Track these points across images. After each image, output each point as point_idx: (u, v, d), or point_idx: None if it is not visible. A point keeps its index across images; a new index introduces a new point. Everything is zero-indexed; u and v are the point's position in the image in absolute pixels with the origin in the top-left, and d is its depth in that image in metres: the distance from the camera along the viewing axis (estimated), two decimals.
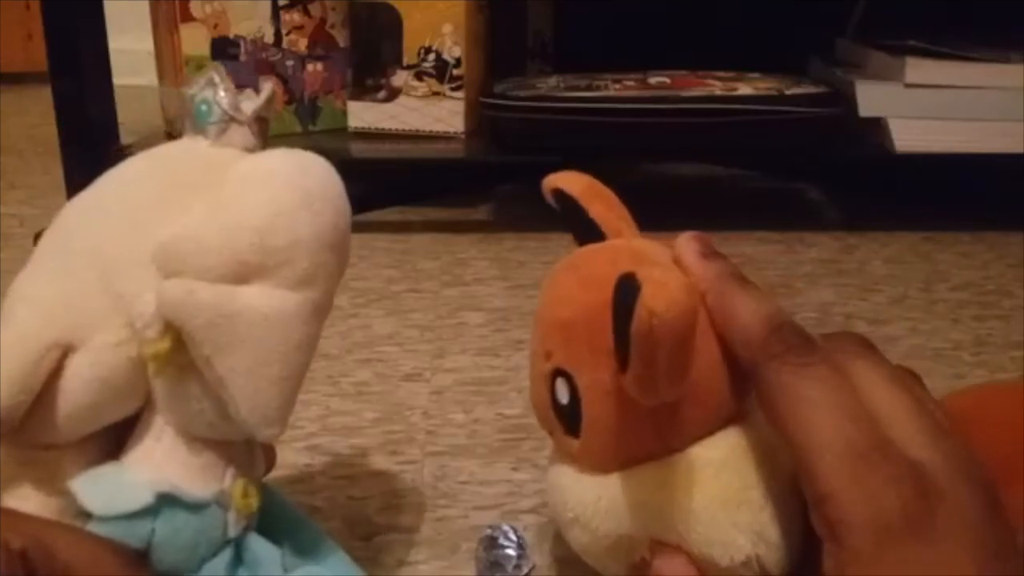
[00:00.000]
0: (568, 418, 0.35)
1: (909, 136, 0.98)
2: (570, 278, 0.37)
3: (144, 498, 0.32)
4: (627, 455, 0.34)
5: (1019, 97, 0.97)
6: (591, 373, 0.34)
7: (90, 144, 0.95)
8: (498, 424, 0.59)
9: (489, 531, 0.45)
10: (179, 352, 0.32)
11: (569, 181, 0.40)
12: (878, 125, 0.99)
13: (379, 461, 0.55)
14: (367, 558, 0.45)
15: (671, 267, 0.34)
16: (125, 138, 1.01)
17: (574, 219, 0.40)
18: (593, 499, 0.35)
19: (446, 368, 0.68)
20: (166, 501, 0.32)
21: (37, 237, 0.35)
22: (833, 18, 1.20)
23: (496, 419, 0.60)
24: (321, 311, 0.34)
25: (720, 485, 0.33)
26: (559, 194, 0.40)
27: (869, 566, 0.27)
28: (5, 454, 0.33)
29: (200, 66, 1.01)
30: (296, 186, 0.34)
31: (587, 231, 0.39)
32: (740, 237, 1.00)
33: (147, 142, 1.06)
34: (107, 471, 0.33)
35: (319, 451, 0.55)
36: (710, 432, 0.34)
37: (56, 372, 0.31)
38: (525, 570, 0.43)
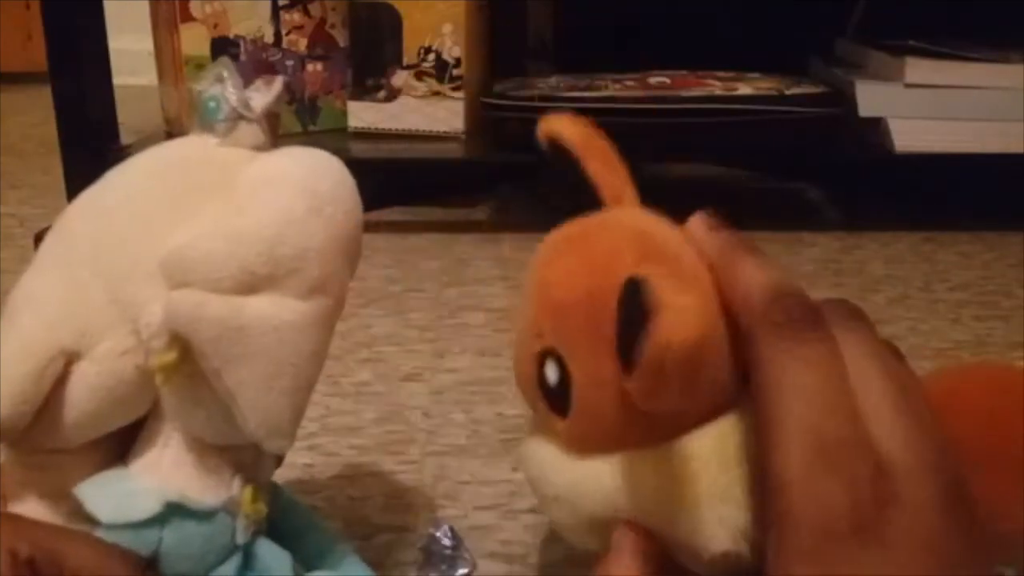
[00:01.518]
0: (556, 399, 0.34)
1: (909, 136, 0.98)
2: (570, 256, 0.35)
3: (152, 507, 0.31)
4: (615, 443, 0.33)
5: (1019, 97, 0.97)
6: (587, 361, 0.33)
7: (90, 144, 0.94)
8: (498, 424, 0.59)
9: (431, 530, 0.44)
10: (187, 361, 0.31)
11: (566, 129, 0.37)
12: (878, 125, 0.99)
13: (379, 461, 0.55)
14: (367, 558, 0.44)
15: (681, 273, 0.33)
16: (125, 138, 1.01)
17: (568, 171, 0.37)
18: (576, 480, 0.34)
19: (446, 368, 0.68)
20: (174, 510, 0.32)
21: (38, 237, 0.34)
22: (833, 18, 1.20)
23: (496, 419, 0.60)
24: (332, 316, 0.34)
25: (707, 479, 0.32)
26: (553, 142, 0.38)
27: (807, 563, 0.26)
28: (10, 459, 0.33)
29: (200, 66, 1.01)
30: (306, 191, 0.33)
31: (583, 188, 0.37)
32: None
33: (147, 142, 1.06)
34: (114, 478, 0.32)
35: (319, 451, 0.55)
36: (702, 423, 0.33)
37: (61, 379, 0.31)
38: (461, 571, 0.42)
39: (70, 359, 0.31)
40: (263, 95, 0.35)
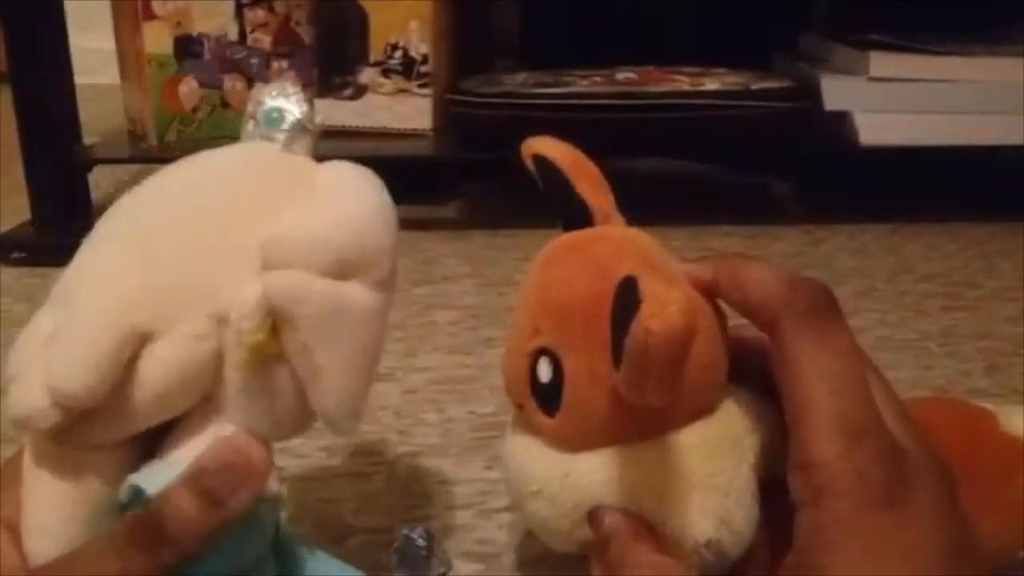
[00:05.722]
0: (545, 396, 0.35)
1: (874, 129, 0.99)
2: (571, 260, 0.37)
3: None
4: (603, 438, 0.35)
5: (982, 90, 0.98)
6: (583, 358, 0.34)
7: (53, 144, 0.93)
8: (471, 423, 0.59)
9: (405, 531, 0.44)
10: (272, 344, 0.32)
11: (553, 149, 0.39)
12: (844, 119, 1.00)
13: (351, 462, 0.54)
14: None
15: (673, 277, 0.35)
16: (88, 138, 1.00)
17: (555, 189, 0.39)
18: (560, 474, 0.35)
19: (418, 367, 0.67)
20: None
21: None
22: (798, 13, 1.20)
23: (469, 417, 0.60)
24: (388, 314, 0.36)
25: (690, 469, 0.34)
26: (540, 161, 0.40)
27: (847, 528, 0.29)
28: (41, 454, 0.32)
29: (163, 64, 1.00)
30: (375, 196, 0.35)
31: (569, 206, 0.39)
32: (707, 231, 1.01)
33: (111, 142, 1.05)
34: (164, 468, 0.32)
35: (289, 453, 0.55)
36: (687, 424, 0.34)
37: (132, 359, 0.30)
38: (436, 571, 0.42)
39: (143, 339, 0.31)
40: (313, 110, 0.38)
